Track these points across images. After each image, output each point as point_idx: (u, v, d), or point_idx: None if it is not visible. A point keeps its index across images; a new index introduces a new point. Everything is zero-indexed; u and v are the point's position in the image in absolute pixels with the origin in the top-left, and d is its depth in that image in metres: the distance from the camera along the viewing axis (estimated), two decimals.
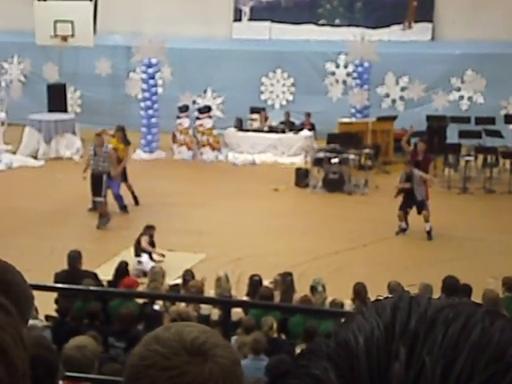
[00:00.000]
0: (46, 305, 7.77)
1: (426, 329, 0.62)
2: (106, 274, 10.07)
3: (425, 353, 0.60)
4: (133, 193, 14.96)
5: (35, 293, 2.03)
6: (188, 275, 9.82)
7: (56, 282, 8.89)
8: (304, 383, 0.63)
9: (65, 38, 20.02)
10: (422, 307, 0.65)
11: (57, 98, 20.68)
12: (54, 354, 2.79)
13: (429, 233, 13.19)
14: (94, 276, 9.50)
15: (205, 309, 8.71)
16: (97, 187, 13.53)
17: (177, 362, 1.33)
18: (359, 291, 9.00)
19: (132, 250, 11.78)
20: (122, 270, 9.79)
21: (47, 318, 8.30)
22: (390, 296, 0.68)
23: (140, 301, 8.66)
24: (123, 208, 14.41)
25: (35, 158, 18.95)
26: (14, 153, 19.16)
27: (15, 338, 0.89)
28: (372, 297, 9.05)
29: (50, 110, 20.33)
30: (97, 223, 13.40)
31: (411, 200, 13.22)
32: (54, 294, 8.57)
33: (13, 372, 0.86)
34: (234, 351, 1.45)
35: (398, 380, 0.59)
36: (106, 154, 13.51)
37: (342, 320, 0.68)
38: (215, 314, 8.54)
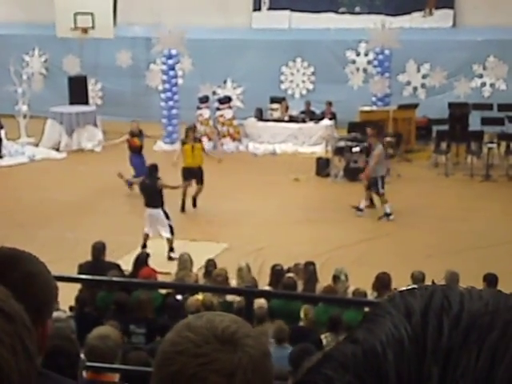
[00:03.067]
0: (70, 296, 7.83)
1: (459, 343, 0.58)
2: (128, 265, 10.12)
3: (458, 375, 0.57)
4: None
5: (59, 284, 2.04)
6: (211, 265, 9.85)
7: (80, 273, 8.96)
8: None
9: (85, 30, 20.11)
10: (455, 311, 0.60)
11: (78, 90, 20.79)
12: (74, 344, 2.81)
13: (386, 215, 13.39)
14: (117, 267, 9.56)
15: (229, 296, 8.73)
16: None
17: (207, 349, 1.34)
18: (383, 280, 8.97)
19: (152, 242, 11.85)
20: (142, 260, 9.84)
21: (71, 308, 8.37)
22: (419, 288, 0.64)
23: (163, 291, 8.72)
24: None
25: (57, 150, 19.07)
26: (37, 145, 19.32)
27: (15, 347, 0.83)
28: (395, 286, 9.02)
29: (72, 103, 20.45)
30: None
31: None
32: (78, 286, 8.64)
33: None
34: (264, 343, 1.46)
35: None
36: None
37: (368, 318, 0.64)
38: (239, 302, 8.54)
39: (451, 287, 0.63)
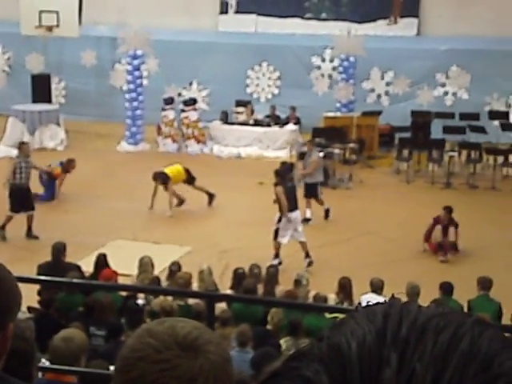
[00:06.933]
0: (28, 296, 7.73)
1: (416, 336, 0.63)
2: (89, 266, 10.03)
3: (415, 359, 0.61)
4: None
5: (19, 285, 2.01)
6: (174, 266, 9.82)
7: (39, 273, 8.86)
8: None
9: (50, 29, 19.88)
10: (413, 315, 0.65)
11: (41, 88, 20.55)
12: (29, 343, 2.74)
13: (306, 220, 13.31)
14: (77, 268, 9.47)
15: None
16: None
17: (168, 355, 1.33)
18: (344, 285, 9.03)
19: (115, 243, 11.75)
20: (101, 262, 9.76)
21: (29, 309, 8.27)
22: (381, 302, 0.69)
23: (123, 293, 8.65)
24: None
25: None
26: None
27: None
28: (356, 291, 9.09)
29: (35, 101, 20.20)
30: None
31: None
32: (37, 286, 8.54)
33: None
34: (225, 349, 1.45)
35: None
36: None
37: (334, 323, 0.68)
38: (197, 305, 8.52)
39: (409, 301, 0.70)
